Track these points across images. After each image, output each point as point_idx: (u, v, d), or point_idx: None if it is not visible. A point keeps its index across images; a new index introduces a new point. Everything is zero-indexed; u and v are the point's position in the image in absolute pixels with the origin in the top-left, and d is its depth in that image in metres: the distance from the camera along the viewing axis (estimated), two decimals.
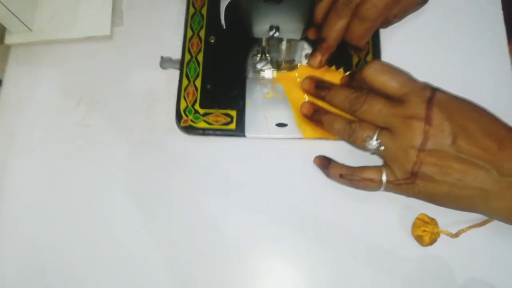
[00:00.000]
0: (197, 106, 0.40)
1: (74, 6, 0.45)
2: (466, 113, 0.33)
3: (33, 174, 0.40)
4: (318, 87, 0.39)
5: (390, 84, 0.34)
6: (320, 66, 0.40)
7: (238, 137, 0.40)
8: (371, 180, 0.35)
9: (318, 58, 0.39)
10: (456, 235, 0.36)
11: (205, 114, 0.40)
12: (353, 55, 0.41)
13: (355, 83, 0.38)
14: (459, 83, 0.41)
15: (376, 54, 0.41)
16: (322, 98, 0.39)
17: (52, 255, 0.38)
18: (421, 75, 0.41)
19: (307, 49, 0.42)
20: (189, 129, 0.39)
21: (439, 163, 0.32)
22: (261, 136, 0.40)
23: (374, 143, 0.34)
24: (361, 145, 0.35)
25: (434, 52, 0.43)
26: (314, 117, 0.38)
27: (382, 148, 0.34)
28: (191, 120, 0.40)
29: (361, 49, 0.39)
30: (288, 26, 0.35)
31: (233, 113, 0.40)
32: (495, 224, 0.36)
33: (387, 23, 0.41)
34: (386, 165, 0.35)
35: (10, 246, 0.38)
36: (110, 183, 0.40)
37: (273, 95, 0.40)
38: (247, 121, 0.40)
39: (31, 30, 0.44)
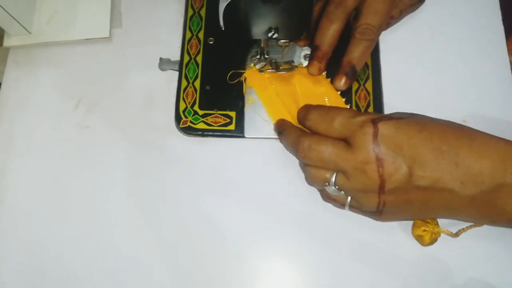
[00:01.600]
0: (196, 107, 0.40)
1: (73, 8, 0.45)
2: (414, 140, 0.31)
3: (33, 176, 0.40)
4: (277, 132, 0.39)
5: (332, 130, 0.34)
6: (320, 73, 0.39)
7: (238, 138, 0.40)
8: (334, 200, 0.35)
9: (316, 66, 0.38)
10: (456, 234, 0.36)
11: (204, 115, 0.40)
12: (345, 85, 0.39)
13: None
14: (458, 83, 0.42)
15: (375, 56, 0.41)
16: (280, 141, 0.39)
17: (52, 257, 0.38)
18: (420, 76, 0.42)
19: (305, 50, 0.42)
20: (189, 130, 0.39)
21: (401, 198, 0.32)
22: (260, 136, 0.40)
23: (332, 188, 0.34)
24: (322, 188, 0.35)
25: (432, 52, 0.43)
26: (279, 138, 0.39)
27: (342, 193, 0.34)
28: (191, 121, 0.40)
29: (356, 72, 0.38)
30: (287, 27, 0.35)
31: (232, 114, 0.40)
32: None
33: (385, 25, 0.40)
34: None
35: (10, 247, 0.38)
36: (110, 184, 0.40)
37: (252, 101, 0.40)
38: (246, 122, 0.40)
39: (30, 33, 0.44)
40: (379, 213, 0.33)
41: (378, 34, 0.38)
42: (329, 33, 0.37)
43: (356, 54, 0.37)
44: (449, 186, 0.31)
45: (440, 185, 0.31)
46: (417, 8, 0.42)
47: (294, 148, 0.35)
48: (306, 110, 0.36)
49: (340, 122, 0.33)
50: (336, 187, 0.33)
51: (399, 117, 0.32)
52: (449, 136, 0.32)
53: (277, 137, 0.39)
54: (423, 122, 0.32)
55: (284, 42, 0.38)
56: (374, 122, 0.32)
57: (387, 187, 0.31)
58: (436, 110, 0.35)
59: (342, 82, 0.38)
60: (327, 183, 0.34)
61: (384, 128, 0.31)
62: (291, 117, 0.39)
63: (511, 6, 0.44)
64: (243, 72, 0.41)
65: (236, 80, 0.41)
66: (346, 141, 0.33)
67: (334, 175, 0.33)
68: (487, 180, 0.30)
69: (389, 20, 0.40)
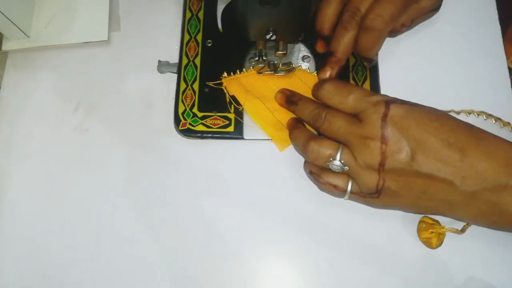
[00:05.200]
0: (195, 110, 0.40)
1: (71, 12, 0.45)
2: (424, 126, 0.32)
3: (32, 179, 0.40)
4: (288, 102, 0.39)
5: (345, 104, 0.34)
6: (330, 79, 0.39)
7: (237, 140, 0.40)
8: (334, 186, 0.35)
9: (328, 72, 0.39)
10: (462, 231, 0.36)
11: (203, 117, 0.40)
12: (367, 66, 0.41)
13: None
14: (455, 84, 0.42)
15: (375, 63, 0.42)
16: (293, 113, 0.39)
17: (53, 260, 0.38)
18: (419, 77, 0.42)
19: (303, 51, 0.42)
20: (188, 133, 0.40)
21: (401, 179, 0.32)
22: (259, 138, 0.40)
23: (337, 163, 0.34)
24: (325, 165, 0.35)
25: (430, 52, 0.43)
26: (288, 130, 0.39)
27: (347, 168, 0.34)
28: (190, 124, 0.40)
29: (373, 60, 0.39)
30: (285, 29, 0.36)
31: (231, 116, 0.40)
32: None
33: (395, 32, 0.40)
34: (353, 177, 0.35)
35: (10, 251, 0.38)
36: (109, 187, 0.40)
37: (242, 107, 0.40)
38: (245, 123, 0.40)
39: (28, 36, 0.44)
40: (377, 194, 0.33)
41: (387, 25, 0.37)
42: (344, 41, 0.38)
43: (365, 45, 0.37)
44: (450, 178, 0.31)
45: (441, 175, 0.31)
46: (430, 16, 0.41)
47: (311, 116, 0.36)
48: (321, 82, 0.36)
49: (355, 97, 0.34)
50: (342, 161, 0.34)
51: (413, 104, 0.33)
52: (459, 132, 0.32)
53: (287, 105, 0.39)
54: (437, 114, 0.33)
55: (280, 53, 0.38)
56: (387, 103, 0.33)
57: (387, 165, 0.32)
58: None
59: (326, 74, 0.39)
60: (331, 159, 0.34)
61: (395, 110, 0.33)
62: (276, 117, 0.39)
63: (507, 6, 0.45)
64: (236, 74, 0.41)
65: (216, 85, 0.41)
66: (357, 117, 0.34)
67: (340, 149, 0.34)
68: (490, 178, 0.31)
69: (400, 28, 0.40)
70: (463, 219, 0.34)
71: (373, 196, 0.34)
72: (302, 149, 0.36)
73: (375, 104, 0.33)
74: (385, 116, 0.32)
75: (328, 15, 0.39)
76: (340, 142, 0.34)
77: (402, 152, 0.32)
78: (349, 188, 0.35)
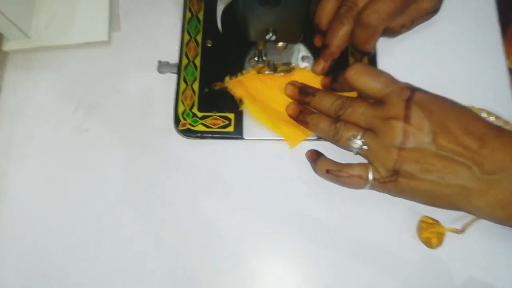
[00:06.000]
0: (195, 110, 0.40)
1: (71, 12, 0.45)
2: (446, 112, 0.33)
3: (32, 179, 0.40)
4: (302, 93, 0.39)
5: (372, 86, 0.35)
6: (323, 73, 0.40)
7: (237, 140, 0.40)
8: (358, 177, 0.35)
9: (321, 64, 0.39)
10: (462, 230, 0.36)
11: (203, 118, 0.40)
12: (362, 57, 0.41)
13: (338, 85, 0.38)
14: (455, 84, 0.42)
15: (372, 58, 0.41)
16: (307, 104, 0.39)
17: (53, 260, 0.38)
18: (417, 76, 0.42)
19: (303, 51, 0.42)
20: (188, 133, 0.40)
21: (420, 161, 0.33)
22: (259, 138, 0.40)
23: (358, 142, 0.35)
24: (345, 144, 0.36)
25: (429, 51, 0.43)
26: (299, 118, 0.39)
27: (366, 147, 0.35)
28: (190, 124, 0.40)
29: (369, 53, 0.39)
30: (284, 29, 0.36)
31: (231, 116, 0.40)
32: None
33: (394, 33, 0.41)
34: (370, 163, 0.35)
35: (10, 251, 0.38)
36: (110, 187, 0.40)
37: (242, 108, 0.40)
38: (245, 123, 0.40)
39: (28, 37, 0.44)
40: (395, 176, 0.34)
41: (383, 22, 0.37)
42: (339, 34, 0.38)
43: (361, 39, 0.38)
44: (468, 163, 0.32)
45: (459, 159, 0.32)
46: (430, 18, 0.42)
47: (333, 106, 0.36)
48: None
49: (384, 80, 0.35)
50: (362, 140, 0.34)
51: (437, 95, 0.35)
52: (479, 123, 0.33)
53: (301, 96, 0.39)
54: (458, 104, 0.35)
55: (281, 45, 0.38)
56: (413, 90, 0.34)
57: (408, 144, 0.33)
58: None
59: (320, 67, 0.39)
60: (352, 137, 0.35)
61: (420, 95, 0.34)
62: (283, 116, 0.40)
63: (507, 5, 0.45)
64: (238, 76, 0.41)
65: (218, 87, 0.41)
66: (380, 102, 0.35)
67: (362, 131, 0.35)
68: (508, 168, 0.31)
69: (399, 29, 0.40)
70: (478, 210, 0.33)
71: (391, 179, 0.34)
72: (328, 130, 0.36)
73: (402, 89, 0.34)
74: (410, 100, 0.33)
75: (326, 9, 0.39)
76: (363, 128, 0.35)
77: (423, 132, 0.32)
78: (370, 175, 0.35)
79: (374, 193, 0.38)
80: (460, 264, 0.37)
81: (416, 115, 0.33)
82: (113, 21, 0.45)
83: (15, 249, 0.39)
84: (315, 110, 0.39)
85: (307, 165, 0.39)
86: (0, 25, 0.41)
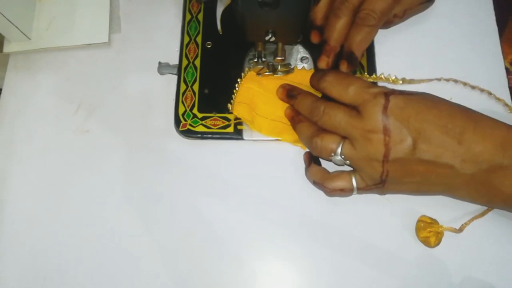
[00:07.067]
0: (195, 111, 0.40)
1: (72, 13, 0.45)
2: (423, 115, 0.33)
3: (33, 180, 0.40)
4: (288, 96, 0.39)
5: (345, 95, 0.35)
6: (327, 68, 0.40)
7: (236, 140, 0.40)
8: (341, 190, 0.36)
9: (325, 60, 0.39)
10: (460, 230, 0.36)
11: (203, 118, 0.40)
12: (346, 69, 0.40)
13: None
14: (454, 85, 0.42)
15: (370, 58, 0.42)
16: (293, 106, 0.39)
17: (53, 262, 0.38)
18: (417, 77, 0.42)
19: (302, 52, 0.42)
20: (188, 133, 0.40)
21: (404, 169, 0.33)
22: (259, 138, 0.40)
23: (338, 158, 0.35)
24: (327, 159, 0.36)
25: (427, 51, 0.43)
26: (292, 125, 0.39)
27: (348, 162, 0.35)
28: (190, 124, 0.40)
29: (357, 60, 0.39)
30: (284, 31, 0.36)
31: (231, 116, 0.40)
32: (499, 220, 0.37)
33: (388, 23, 0.41)
34: (355, 171, 0.36)
35: (11, 253, 0.39)
36: (110, 188, 0.40)
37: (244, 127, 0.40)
38: (244, 124, 0.40)
39: (29, 39, 0.44)
40: (382, 183, 0.34)
41: (380, 20, 0.38)
42: (336, 28, 0.38)
43: (356, 39, 0.38)
44: (450, 162, 0.32)
45: (442, 161, 0.32)
46: (424, 8, 0.42)
47: (310, 110, 0.36)
48: (323, 73, 0.37)
49: (355, 89, 0.34)
50: (342, 156, 0.34)
51: (410, 93, 0.34)
52: (457, 116, 0.33)
53: (288, 99, 0.39)
54: (434, 100, 0.34)
55: (279, 59, 0.39)
56: (386, 95, 0.33)
57: (391, 156, 0.33)
58: None
59: (344, 66, 0.39)
60: (333, 154, 0.35)
61: (394, 101, 0.33)
62: (286, 122, 0.40)
63: (504, 6, 0.45)
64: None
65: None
66: (356, 109, 0.34)
67: (341, 145, 0.34)
68: (486, 160, 0.32)
69: (392, 19, 0.40)
70: (461, 199, 0.35)
71: (378, 186, 0.35)
72: (307, 144, 0.37)
73: (375, 96, 0.33)
74: (385, 108, 0.33)
75: (321, 4, 0.39)
76: (342, 136, 0.35)
77: (404, 142, 0.32)
78: (354, 185, 0.35)
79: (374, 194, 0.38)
80: (459, 263, 0.37)
81: (395, 126, 0.32)
82: (114, 23, 0.45)
83: (15, 250, 0.39)
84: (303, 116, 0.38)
85: None
86: (1, 27, 0.42)
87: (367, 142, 0.33)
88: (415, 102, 0.33)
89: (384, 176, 0.33)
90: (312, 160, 0.38)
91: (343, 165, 0.36)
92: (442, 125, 0.32)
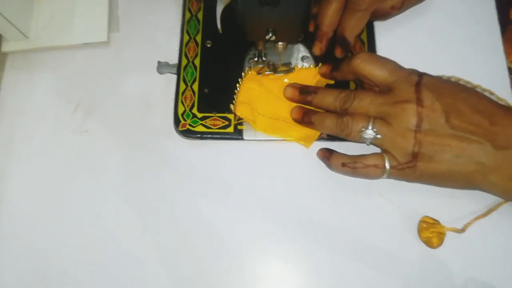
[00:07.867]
0: (195, 110, 0.40)
1: (71, 12, 0.45)
2: (454, 94, 0.34)
3: (32, 180, 0.40)
4: (304, 93, 0.39)
5: (378, 73, 0.35)
6: (321, 53, 0.41)
7: (236, 140, 0.40)
8: (375, 166, 0.35)
9: (318, 46, 0.40)
10: (462, 230, 0.36)
11: (203, 118, 0.40)
12: (340, 54, 0.41)
13: (339, 74, 0.38)
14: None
15: (371, 51, 0.42)
16: (309, 103, 0.39)
17: (52, 262, 0.38)
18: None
19: (302, 51, 0.42)
20: (188, 133, 0.40)
21: (436, 142, 0.33)
22: (259, 139, 0.40)
23: (370, 132, 0.34)
24: (356, 137, 0.35)
25: (429, 50, 0.43)
26: (305, 120, 0.38)
27: (379, 136, 0.34)
28: (189, 124, 0.40)
29: (349, 44, 0.39)
30: (284, 30, 0.36)
31: (231, 116, 0.40)
32: (502, 220, 0.37)
33: (386, 15, 0.41)
34: (385, 152, 0.35)
35: (10, 253, 0.38)
36: (109, 188, 0.40)
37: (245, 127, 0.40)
38: (244, 124, 0.40)
39: (27, 38, 0.44)
40: (413, 161, 0.34)
41: (371, 5, 0.39)
42: (328, 13, 0.39)
43: (348, 24, 0.39)
44: (482, 139, 0.32)
45: (473, 137, 0.32)
46: (421, 0, 0.42)
47: (337, 101, 0.36)
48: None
49: (390, 67, 0.35)
50: (374, 129, 0.34)
51: (441, 77, 0.36)
52: (487, 103, 0.34)
53: (303, 96, 0.38)
54: (465, 87, 0.35)
55: (281, 45, 0.38)
56: (420, 74, 0.35)
57: (424, 126, 0.33)
58: None
59: (338, 52, 0.40)
60: (363, 129, 0.35)
61: (429, 79, 0.34)
62: (290, 121, 0.39)
63: (507, 5, 0.45)
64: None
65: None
66: (388, 88, 0.35)
67: (372, 120, 0.34)
68: None
69: (390, 10, 0.40)
70: (493, 187, 0.34)
71: (410, 165, 0.34)
72: (335, 126, 0.36)
73: (409, 75, 0.34)
74: (419, 83, 0.34)
75: None
76: (372, 117, 0.35)
77: (437, 113, 0.33)
78: (387, 164, 0.35)
79: (374, 193, 0.38)
80: (461, 264, 0.37)
81: (427, 97, 0.33)
82: (112, 22, 0.45)
83: (14, 250, 0.38)
84: (318, 110, 0.39)
85: (307, 165, 0.39)
86: None
87: (400, 112, 0.33)
88: (447, 84, 0.35)
89: (417, 148, 0.33)
90: (331, 150, 0.38)
91: (370, 145, 0.36)
92: (472, 105, 0.33)
